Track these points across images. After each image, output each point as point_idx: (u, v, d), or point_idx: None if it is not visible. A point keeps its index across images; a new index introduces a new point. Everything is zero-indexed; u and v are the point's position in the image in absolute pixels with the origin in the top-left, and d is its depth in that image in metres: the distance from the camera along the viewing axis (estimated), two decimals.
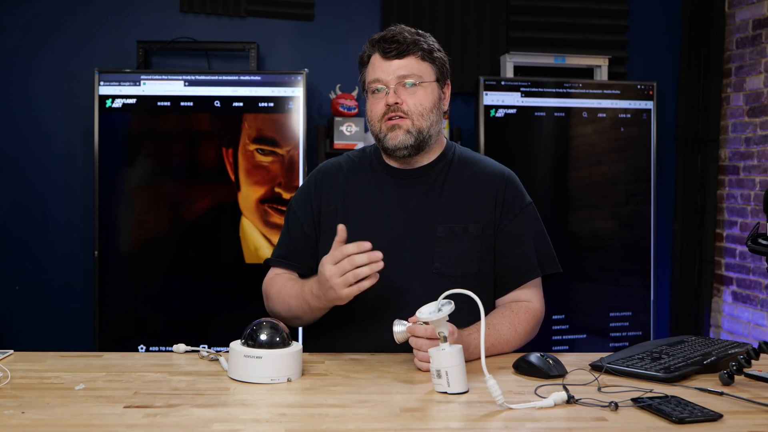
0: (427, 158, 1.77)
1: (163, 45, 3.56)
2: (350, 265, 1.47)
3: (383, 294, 1.69)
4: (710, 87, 3.84)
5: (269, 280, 1.80)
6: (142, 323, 3.32)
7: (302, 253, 1.79)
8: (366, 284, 1.48)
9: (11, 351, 1.58)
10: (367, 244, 1.48)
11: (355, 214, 1.74)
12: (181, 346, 1.62)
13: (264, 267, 1.86)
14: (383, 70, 1.69)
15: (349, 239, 1.73)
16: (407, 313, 1.47)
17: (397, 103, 1.67)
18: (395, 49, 1.68)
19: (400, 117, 1.68)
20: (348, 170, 1.81)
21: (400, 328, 1.46)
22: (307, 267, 1.79)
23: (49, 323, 3.59)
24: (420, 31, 1.73)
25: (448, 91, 1.78)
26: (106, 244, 3.30)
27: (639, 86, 3.70)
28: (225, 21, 3.68)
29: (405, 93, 1.68)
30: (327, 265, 1.50)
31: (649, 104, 3.70)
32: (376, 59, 1.71)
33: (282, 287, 1.73)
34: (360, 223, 1.73)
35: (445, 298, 1.36)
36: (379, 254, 1.47)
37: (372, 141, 1.82)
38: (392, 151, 1.70)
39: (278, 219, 3.32)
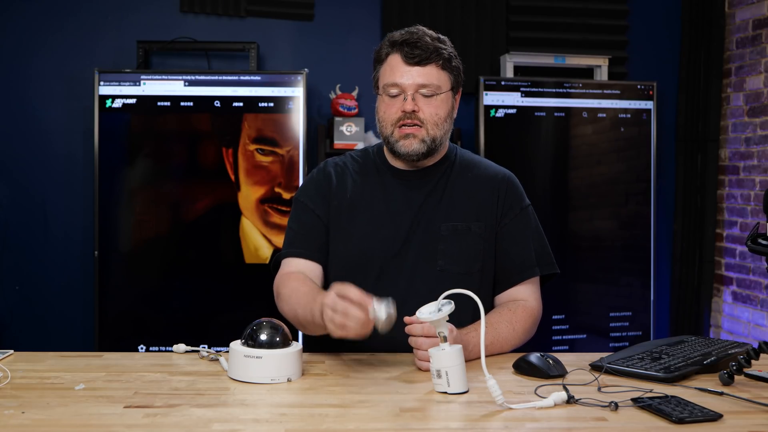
0: (430, 160, 1.78)
1: (163, 45, 3.56)
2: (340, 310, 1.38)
3: (387, 292, 1.70)
4: (710, 87, 3.84)
5: (282, 277, 1.73)
6: (142, 323, 3.32)
7: (316, 242, 1.75)
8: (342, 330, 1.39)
9: (11, 351, 1.58)
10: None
11: (360, 213, 1.75)
12: (181, 346, 1.63)
13: (273, 267, 1.81)
14: (403, 75, 1.68)
15: (355, 238, 1.74)
16: (410, 311, 1.47)
17: (414, 111, 1.67)
18: (418, 56, 1.67)
19: (416, 126, 1.68)
20: (353, 170, 1.81)
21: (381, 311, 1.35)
22: (323, 254, 1.75)
23: (49, 323, 3.59)
24: (441, 36, 1.72)
25: (458, 97, 1.78)
26: (106, 244, 3.29)
27: (639, 86, 3.69)
28: (225, 21, 3.68)
29: (422, 101, 1.68)
30: (330, 300, 1.40)
31: (649, 104, 3.70)
32: (396, 61, 1.69)
33: (294, 291, 1.66)
34: (365, 222, 1.74)
35: (445, 298, 1.36)
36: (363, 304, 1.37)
37: (372, 141, 1.82)
38: (403, 156, 1.71)
39: (278, 219, 3.32)
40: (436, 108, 1.69)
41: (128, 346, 3.22)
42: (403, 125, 1.68)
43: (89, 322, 3.48)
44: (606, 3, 3.86)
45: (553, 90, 3.59)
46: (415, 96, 1.68)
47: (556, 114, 3.60)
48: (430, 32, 1.72)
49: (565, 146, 3.63)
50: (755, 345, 1.41)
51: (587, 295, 3.66)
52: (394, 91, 1.69)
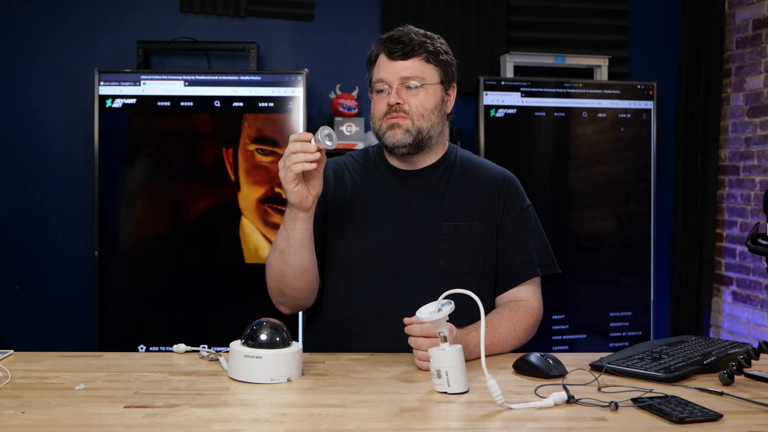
0: (429, 159, 1.78)
1: (163, 45, 3.56)
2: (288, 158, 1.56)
3: (389, 291, 1.70)
4: (710, 87, 3.84)
5: None
6: (142, 323, 3.32)
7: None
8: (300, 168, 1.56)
9: (11, 351, 1.58)
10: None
11: (360, 212, 1.76)
12: (181, 346, 1.62)
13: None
14: (387, 70, 1.70)
15: (355, 237, 1.74)
16: (412, 310, 1.47)
17: (398, 104, 1.69)
18: (400, 50, 1.69)
19: (401, 117, 1.69)
20: (353, 169, 1.82)
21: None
22: (318, 252, 1.73)
23: (49, 323, 3.59)
24: (429, 33, 1.74)
25: (453, 93, 1.78)
26: (106, 244, 3.29)
27: (639, 86, 3.69)
28: (225, 21, 3.68)
29: (407, 94, 1.69)
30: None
31: (649, 104, 3.70)
32: (382, 59, 1.72)
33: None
34: (365, 222, 1.74)
35: (445, 298, 1.36)
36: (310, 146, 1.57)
37: (373, 141, 1.82)
38: (392, 148, 1.72)
39: (278, 219, 3.32)
40: (422, 100, 1.70)
41: (128, 346, 3.22)
42: (390, 118, 1.69)
43: (89, 322, 3.47)
44: (606, 3, 3.86)
45: (553, 90, 3.59)
46: (399, 89, 1.69)
47: (556, 114, 3.60)
48: (418, 30, 1.73)
49: (565, 146, 3.63)
50: (755, 345, 1.41)
51: (587, 295, 3.66)
52: (380, 86, 1.71)
